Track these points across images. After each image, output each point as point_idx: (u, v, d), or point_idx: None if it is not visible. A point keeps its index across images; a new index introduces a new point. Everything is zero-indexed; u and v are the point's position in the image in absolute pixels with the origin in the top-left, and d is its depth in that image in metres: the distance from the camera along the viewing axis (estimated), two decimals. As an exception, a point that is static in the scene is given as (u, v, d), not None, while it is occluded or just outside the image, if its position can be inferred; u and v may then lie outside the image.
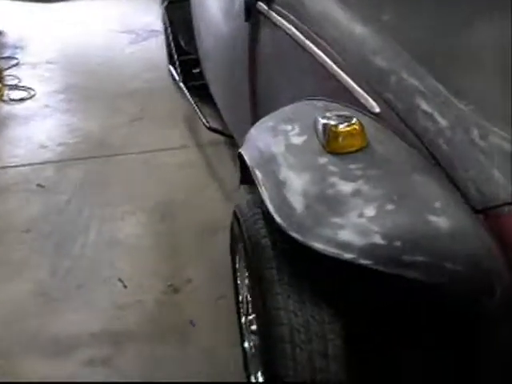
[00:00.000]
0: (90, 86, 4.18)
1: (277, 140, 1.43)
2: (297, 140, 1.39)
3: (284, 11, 1.84)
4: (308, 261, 1.29)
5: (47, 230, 2.75)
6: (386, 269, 1.14)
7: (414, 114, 1.35)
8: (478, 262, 1.13)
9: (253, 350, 1.84)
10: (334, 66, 1.57)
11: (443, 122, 1.28)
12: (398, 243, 1.13)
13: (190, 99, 3.16)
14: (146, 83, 4.17)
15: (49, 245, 2.66)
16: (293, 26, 1.78)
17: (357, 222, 1.16)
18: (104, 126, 3.64)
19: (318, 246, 1.17)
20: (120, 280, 2.45)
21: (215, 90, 2.90)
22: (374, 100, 1.43)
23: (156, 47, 4.55)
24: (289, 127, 1.45)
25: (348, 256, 1.14)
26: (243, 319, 1.91)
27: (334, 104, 1.53)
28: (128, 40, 5.06)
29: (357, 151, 1.31)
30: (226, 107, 2.71)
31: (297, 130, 1.43)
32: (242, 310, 1.92)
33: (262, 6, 1.94)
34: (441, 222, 1.15)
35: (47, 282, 2.46)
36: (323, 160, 1.30)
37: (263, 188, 1.32)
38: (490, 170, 1.18)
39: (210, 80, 3.01)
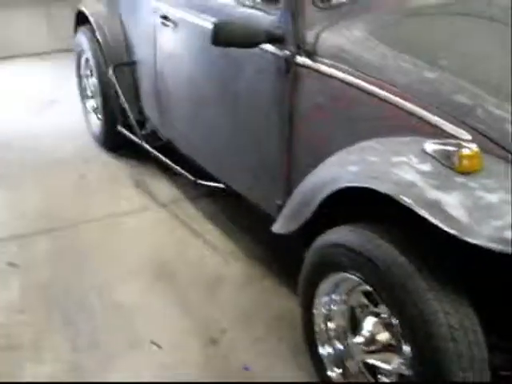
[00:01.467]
0: (14, 160, 4.00)
1: (402, 170, 1.62)
2: (424, 167, 1.60)
3: (332, 62, 2.05)
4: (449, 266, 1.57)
5: (43, 308, 2.61)
6: None
7: (504, 138, 1.64)
8: None
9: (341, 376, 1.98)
10: (414, 107, 1.81)
11: None
12: None
13: (164, 158, 3.20)
14: (74, 151, 4.09)
15: (54, 323, 2.53)
16: (349, 74, 2.00)
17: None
18: (50, 195, 3.51)
19: (491, 244, 1.40)
20: (153, 342, 2.41)
21: (203, 148, 2.96)
22: (464, 130, 1.69)
23: (74, 116, 4.47)
24: (403, 158, 1.66)
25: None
26: (323, 348, 2.03)
27: (411, 138, 1.77)
28: (44, 107, 4.89)
29: (480, 170, 1.55)
30: (228, 163, 2.79)
31: (414, 159, 1.64)
32: (319, 340, 2.04)
33: (304, 59, 2.13)
34: None
35: (74, 358, 2.35)
36: (461, 179, 1.53)
37: (418, 208, 1.51)
38: None
39: (188, 139, 3.07)
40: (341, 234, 1.83)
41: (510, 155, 1.63)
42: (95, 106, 4.09)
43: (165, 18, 2.93)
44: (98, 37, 3.61)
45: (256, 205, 2.66)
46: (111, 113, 3.73)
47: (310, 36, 2.13)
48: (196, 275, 2.83)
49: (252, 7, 2.37)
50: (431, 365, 1.56)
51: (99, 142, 4.08)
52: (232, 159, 2.70)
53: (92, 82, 4.02)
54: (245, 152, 2.58)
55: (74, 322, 2.54)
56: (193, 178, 2.97)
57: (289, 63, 2.17)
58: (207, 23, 2.55)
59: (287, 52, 2.17)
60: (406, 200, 1.54)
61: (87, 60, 3.96)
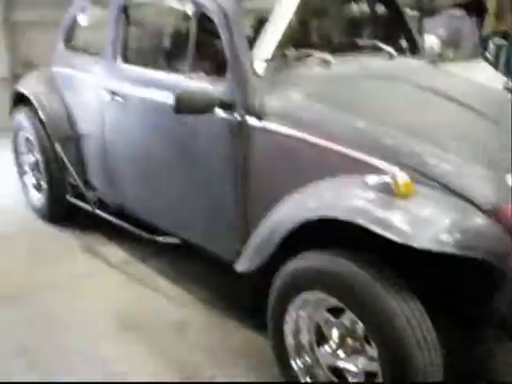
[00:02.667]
0: None
1: (352, 199, 2.05)
2: (370, 196, 2.03)
3: (277, 121, 2.48)
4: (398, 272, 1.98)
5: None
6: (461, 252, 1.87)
7: (425, 167, 2.11)
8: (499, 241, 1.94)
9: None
10: (350, 151, 2.26)
11: (444, 166, 2.11)
12: (465, 235, 1.89)
13: (119, 221, 3.47)
14: (16, 223, 4.25)
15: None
16: (292, 129, 2.42)
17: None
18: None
19: (430, 246, 1.87)
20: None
21: (159, 209, 3.25)
22: (395, 165, 2.15)
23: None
24: (351, 191, 2.09)
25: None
26: (296, 362, 2.37)
27: (353, 176, 2.21)
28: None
29: (413, 194, 2.01)
30: (186, 219, 3.08)
31: (359, 191, 2.07)
32: (291, 355, 2.37)
33: (253, 120, 2.54)
34: (477, 219, 1.94)
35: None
36: (400, 202, 1.98)
37: (372, 226, 1.92)
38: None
39: (143, 203, 3.37)
40: (307, 260, 2.20)
41: (431, 180, 2.09)
42: (34, 181, 4.29)
43: (113, 93, 3.27)
44: (41, 115, 3.86)
45: (213, 253, 2.98)
46: (56, 185, 3.95)
47: (256, 101, 2.55)
48: (160, 323, 3.07)
49: (200, 80, 2.77)
50: (395, 351, 1.94)
51: (39, 215, 4.26)
52: (189, 215, 3.03)
53: (30, 159, 4.24)
54: (202, 207, 2.92)
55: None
56: (150, 236, 3.25)
57: (240, 125, 2.57)
58: (160, 97, 2.91)
59: (237, 116, 2.57)
60: (361, 221, 1.95)
61: (27, 138, 4.18)
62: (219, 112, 2.62)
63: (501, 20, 7.22)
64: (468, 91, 2.82)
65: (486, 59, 5.86)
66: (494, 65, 5.86)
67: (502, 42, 6.40)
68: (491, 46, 6.30)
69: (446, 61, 4.90)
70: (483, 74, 4.62)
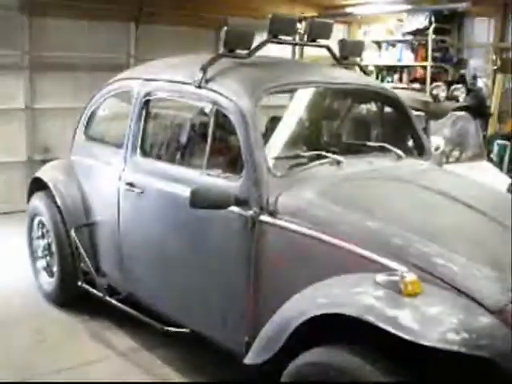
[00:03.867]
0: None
1: (362, 297, 2.10)
2: (379, 294, 2.08)
3: (290, 218, 2.58)
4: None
5: None
6: (468, 351, 1.90)
7: (433, 267, 2.19)
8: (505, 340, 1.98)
9: None
10: (360, 250, 2.34)
11: (451, 266, 2.18)
12: (472, 335, 1.93)
13: (129, 309, 3.51)
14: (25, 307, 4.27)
15: None
16: (305, 227, 2.52)
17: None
18: (8, 351, 3.66)
19: (439, 344, 1.90)
20: None
21: (170, 298, 3.30)
22: (403, 264, 2.22)
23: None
24: (361, 289, 2.15)
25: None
26: None
27: (363, 274, 2.28)
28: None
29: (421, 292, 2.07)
30: (197, 310, 3.11)
31: (369, 289, 2.13)
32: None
33: (266, 217, 2.64)
34: (484, 319, 1.99)
35: None
36: (408, 300, 2.03)
37: (381, 324, 1.97)
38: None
39: (154, 292, 3.42)
40: (315, 355, 2.23)
41: (438, 280, 2.17)
42: (45, 265, 4.36)
43: (130, 184, 3.40)
44: (58, 201, 3.99)
45: (222, 345, 3.01)
46: (68, 271, 4.02)
47: (270, 199, 2.66)
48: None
49: (216, 176, 2.89)
50: None
51: (49, 299, 4.31)
52: (200, 307, 3.08)
53: (43, 243, 4.33)
54: (213, 300, 2.98)
55: None
56: (159, 326, 3.28)
57: (254, 221, 2.67)
58: (176, 190, 3.04)
59: (251, 212, 2.67)
60: (371, 319, 2.00)
61: (41, 222, 4.29)
62: (234, 208, 2.73)
63: (503, 122, 7.47)
64: (474, 193, 2.92)
65: (491, 160, 6.04)
66: (498, 165, 6.03)
67: (506, 143, 6.61)
68: (495, 147, 6.50)
69: (451, 161, 5.08)
70: (488, 175, 4.76)
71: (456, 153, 5.41)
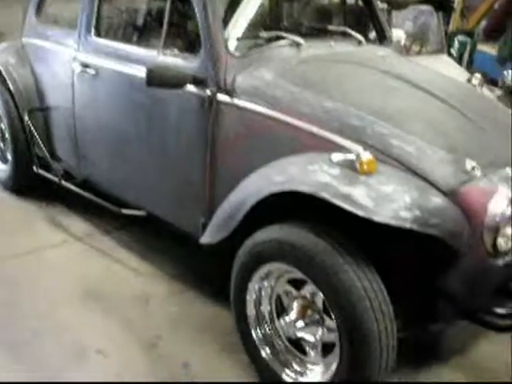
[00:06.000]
0: None
1: (318, 175, 2.12)
2: (334, 172, 2.11)
3: (248, 98, 2.55)
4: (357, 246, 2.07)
5: None
6: (420, 228, 1.96)
7: (388, 148, 2.21)
8: (456, 221, 2.05)
9: (275, 355, 2.41)
10: (318, 130, 2.34)
11: (407, 147, 2.21)
12: (423, 213, 1.98)
13: (86, 193, 3.50)
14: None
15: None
16: (263, 107, 2.50)
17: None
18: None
19: (391, 221, 1.95)
20: (98, 351, 2.69)
21: (126, 181, 3.30)
22: (360, 144, 2.23)
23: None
24: (316, 167, 2.17)
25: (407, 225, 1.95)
26: (256, 331, 2.45)
27: (319, 153, 2.29)
28: None
29: (376, 172, 2.10)
30: (153, 192, 3.13)
31: (325, 167, 2.14)
32: (251, 324, 2.46)
33: (224, 97, 2.60)
34: (436, 199, 2.04)
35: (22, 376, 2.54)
36: (363, 178, 2.06)
37: (336, 200, 2.00)
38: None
39: (110, 175, 3.41)
40: (270, 232, 2.28)
41: (393, 161, 2.20)
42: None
43: (84, 65, 3.28)
44: (9, 85, 3.85)
45: (179, 227, 3.04)
46: (22, 156, 3.95)
47: (228, 78, 2.61)
48: (124, 294, 3.12)
49: (173, 56, 2.81)
50: (353, 322, 2.04)
51: (4, 186, 4.25)
52: (156, 188, 3.08)
53: (-5, 128, 4.23)
54: (169, 181, 2.98)
55: (18, 345, 2.73)
56: (116, 208, 3.29)
57: (211, 101, 2.63)
58: (132, 71, 2.95)
59: (209, 92, 2.63)
60: (325, 195, 2.03)
61: (-7, 108, 4.15)
62: (191, 87, 2.67)
63: (466, 18, 7.41)
64: (433, 80, 2.92)
65: (451, 55, 6.03)
66: (458, 62, 6.02)
67: (467, 39, 6.58)
68: (456, 42, 6.47)
69: (411, 54, 5.05)
70: (448, 68, 4.76)
71: (417, 46, 5.37)
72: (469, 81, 3.86)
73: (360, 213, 1.95)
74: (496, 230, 2.09)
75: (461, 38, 6.54)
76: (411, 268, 2.24)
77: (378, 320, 2.02)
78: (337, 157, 2.15)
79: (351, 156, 2.11)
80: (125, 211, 3.26)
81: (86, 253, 3.54)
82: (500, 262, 2.14)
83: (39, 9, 3.98)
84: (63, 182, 3.64)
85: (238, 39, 2.74)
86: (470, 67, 6.31)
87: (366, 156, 2.10)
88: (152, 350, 2.72)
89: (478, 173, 2.18)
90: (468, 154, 2.26)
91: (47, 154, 3.74)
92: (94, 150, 3.46)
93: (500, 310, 2.23)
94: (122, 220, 3.56)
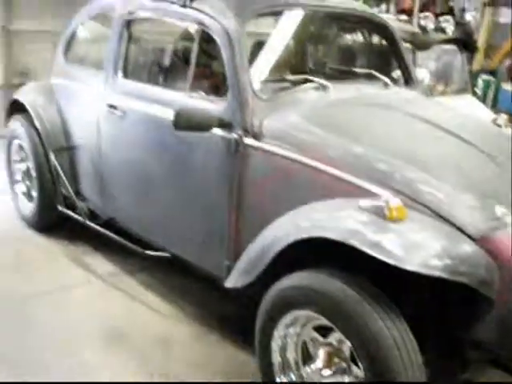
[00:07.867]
0: None
1: (346, 221, 2.09)
2: (363, 218, 2.08)
3: (274, 142, 2.54)
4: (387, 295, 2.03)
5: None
6: (450, 276, 1.92)
7: (417, 194, 2.18)
8: (486, 268, 2.01)
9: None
10: (345, 175, 2.32)
11: (436, 193, 2.17)
12: (454, 261, 1.94)
13: (110, 233, 3.49)
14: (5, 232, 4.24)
15: None
16: (288, 151, 2.49)
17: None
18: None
19: (421, 269, 1.90)
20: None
21: (151, 223, 3.29)
22: (388, 190, 2.21)
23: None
24: (344, 213, 2.14)
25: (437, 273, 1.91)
26: (281, 379, 2.40)
27: (346, 199, 2.27)
28: None
29: (405, 218, 2.07)
30: (178, 234, 3.11)
31: (353, 213, 2.11)
32: (276, 372, 2.41)
33: (250, 140, 2.60)
34: (466, 247, 2.00)
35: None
36: (392, 225, 2.03)
37: (365, 248, 1.97)
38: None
39: (135, 216, 3.40)
40: (296, 278, 2.24)
41: (422, 206, 2.17)
42: (24, 189, 4.31)
43: (111, 106, 3.31)
44: (36, 124, 3.90)
45: (203, 268, 3.02)
46: (47, 195, 3.97)
47: (255, 122, 2.61)
48: (145, 336, 3.09)
49: (200, 99, 2.83)
50: (381, 371, 1.98)
51: (29, 224, 4.27)
52: (182, 230, 3.06)
53: (22, 167, 4.26)
54: (195, 223, 2.96)
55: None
56: (140, 250, 3.27)
57: (238, 144, 2.63)
58: (159, 113, 2.97)
59: (235, 135, 2.63)
60: (355, 243, 2.00)
61: (20, 146, 4.20)
62: (217, 131, 2.68)
63: (489, 57, 7.40)
64: (461, 123, 2.90)
65: (475, 94, 6.01)
66: (482, 101, 6.00)
67: (491, 78, 6.56)
68: (480, 81, 6.46)
69: (435, 94, 5.04)
70: (472, 109, 4.74)
71: (441, 86, 5.36)
72: (494, 121, 3.83)
73: (390, 261, 1.92)
74: None
75: (485, 77, 6.53)
76: (440, 316, 2.19)
77: (407, 369, 1.97)
78: (365, 203, 2.12)
79: (380, 202, 2.08)
80: (149, 253, 3.24)
81: (109, 293, 3.52)
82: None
83: (67, 49, 4.04)
84: (87, 222, 3.64)
85: (265, 82, 2.75)
86: (495, 106, 6.27)
87: (395, 202, 2.07)
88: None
89: (508, 219, 2.14)
90: (498, 199, 2.23)
91: (72, 192, 3.76)
92: (119, 190, 3.47)
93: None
94: (146, 261, 3.55)
